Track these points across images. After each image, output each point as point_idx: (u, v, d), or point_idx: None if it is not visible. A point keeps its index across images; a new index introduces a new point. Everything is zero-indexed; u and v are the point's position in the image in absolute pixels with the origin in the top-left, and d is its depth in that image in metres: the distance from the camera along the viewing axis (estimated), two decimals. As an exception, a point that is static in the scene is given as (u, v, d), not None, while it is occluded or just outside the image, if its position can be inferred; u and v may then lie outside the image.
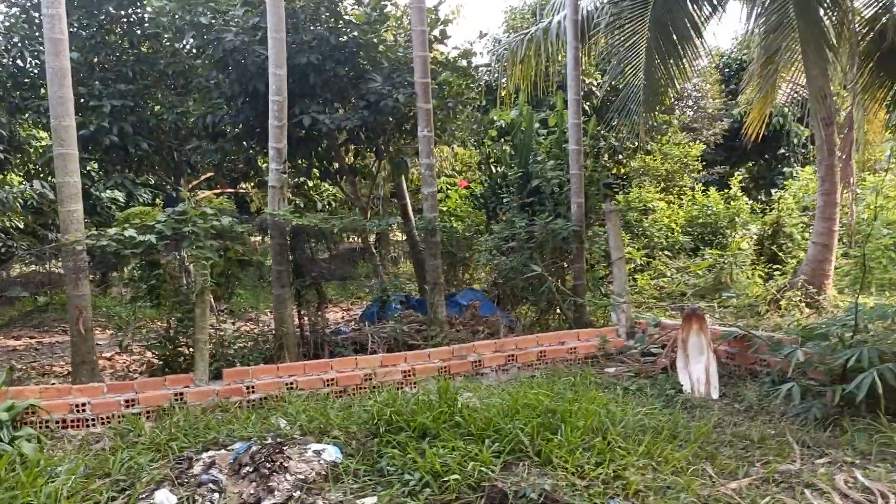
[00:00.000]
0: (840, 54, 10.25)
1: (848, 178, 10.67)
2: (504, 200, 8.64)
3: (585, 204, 8.41)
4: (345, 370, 6.72)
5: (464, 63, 9.24)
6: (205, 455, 4.68)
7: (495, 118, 12.18)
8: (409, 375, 6.81)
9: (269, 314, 11.77)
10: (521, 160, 9.48)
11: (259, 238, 15.15)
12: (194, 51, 10.52)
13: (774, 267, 11.91)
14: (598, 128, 11.41)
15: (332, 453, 4.69)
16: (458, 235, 8.86)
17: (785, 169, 18.12)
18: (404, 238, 9.63)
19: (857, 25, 10.18)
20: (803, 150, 18.75)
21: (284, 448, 4.67)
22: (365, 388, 6.60)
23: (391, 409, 5.24)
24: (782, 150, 18.66)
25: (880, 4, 10.56)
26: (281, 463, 4.47)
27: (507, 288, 8.39)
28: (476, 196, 10.71)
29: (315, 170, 9.67)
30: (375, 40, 8.66)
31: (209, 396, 6.11)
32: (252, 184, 12.40)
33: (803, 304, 9.61)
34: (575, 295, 8.17)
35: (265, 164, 12.10)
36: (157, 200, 16.49)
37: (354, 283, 10.51)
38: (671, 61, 8.37)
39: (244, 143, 9.71)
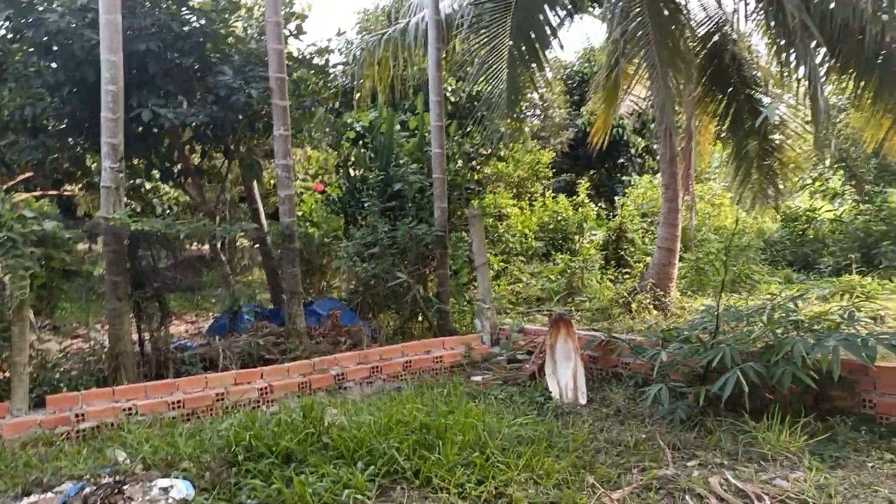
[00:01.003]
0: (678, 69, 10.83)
1: (688, 185, 11.30)
2: (365, 205, 8.29)
3: (448, 209, 8.25)
4: (193, 390, 6.09)
5: (321, 61, 8.80)
6: (25, 501, 3.96)
7: (350, 120, 11.78)
8: (267, 393, 6.29)
9: (102, 330, 10.63)
10: (382, 163, 9.17)
11: (87, 246, 13.76)
12: (10, 34, 9.27)
13: (623, 271, 12.39)
14: (459, 132, 11.34)
15: (181, 489, 4.13)
16: (315, 241, 8.39)
17: (624, 177, 19.09)
18: (256, 245, 8.99)
19: (693, 42, 10.82)
20: (640, 160, 19.86)
21: (125, 487, 4.05)
22: (217, 409, 6.01)
23: (250, 432, 4.74)
24: (621, 160, 19.66)
25: (713, 23, 11.31)
26: (121, 505, 3.87)
27: (369, 296, 8.04)
28: (333, 201, 10.27)
29: (155, 171, 8.81)
30: (224, 31, 8.01)
31: (30, 428, 5.28)
32: (80, 185, 11.15)
33: (651, 307, 10.01)
34: (439, 302, 7.97)
35: (95, 164, 10.96)
36: (-36, 204, 14.55)
37: (201, 293, 9.72)
38: (533, 66, 8.40)
39: (70, 139, 8.67)
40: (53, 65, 7.80)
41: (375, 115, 9.77)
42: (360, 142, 9.99)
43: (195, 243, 12.62)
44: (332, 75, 9.44)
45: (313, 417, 4.91)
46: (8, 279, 5.73)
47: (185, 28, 7.68)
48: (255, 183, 9.49)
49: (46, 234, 5.61)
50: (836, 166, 16.14)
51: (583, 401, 6.18)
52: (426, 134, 9.51)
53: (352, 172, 10.07)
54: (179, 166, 8.66)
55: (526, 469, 4.34)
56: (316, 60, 8.89)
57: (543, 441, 4.82)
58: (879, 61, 8.64)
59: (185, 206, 12.57)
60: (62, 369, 6.33)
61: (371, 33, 12.05)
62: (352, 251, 7.71)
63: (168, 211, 11.89)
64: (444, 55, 10.26)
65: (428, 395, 6.07)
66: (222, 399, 6.07)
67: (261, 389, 6.27)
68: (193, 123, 7.38)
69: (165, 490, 4.08)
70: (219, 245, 8.79)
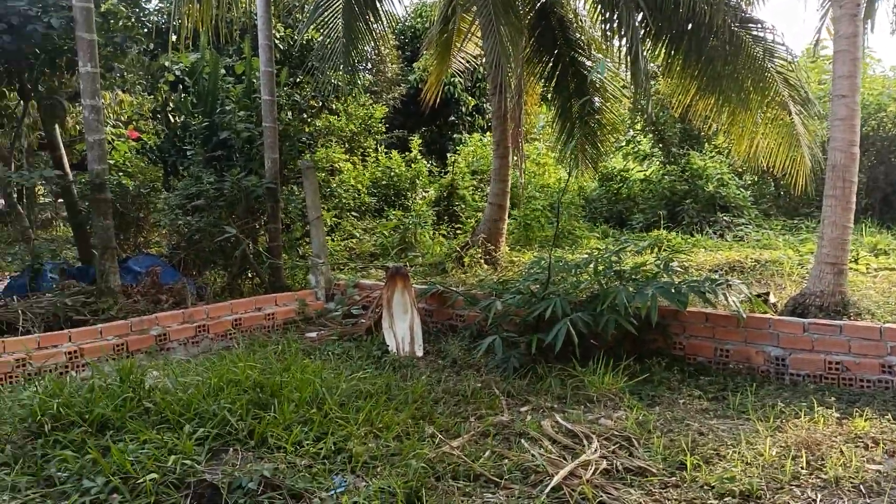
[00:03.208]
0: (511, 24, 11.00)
1: (517, 143, 11.62)
2: (188, 154, 7.68)
3: (280, 160, 7.87)
4: (-12, 356, 5.40)
5: (134, -8, 7.97)
6: None
7: (167, 63, 10.86)
8: (77, 357, 5.73)
9: None
10: (207, 109, 8.51)
11: None
12: None
13: (455, 227, 12.58)
14: (289, 82, 10.78)
15: (-26, 467, 3.64)
16: (130, 193, 7.67)
17: (454, 135, 19.32)
18: (59, 197, 8.07)
19: (523, 2, 11.06)
20: (470, 119, 20.17)
21: None
22: (17, 375, 5.39)
23: (57, 400, 4.27)
24: (452, 118, 19.86)
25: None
26: None
27: (193, 252, 7.51)
28: (150, 149, 9.43)
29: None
30: (16, -49, 6.99)
31: None
32: None
33: (483, 261, 10.26)
34: (271, 257, 7.64)
35: None
36: None
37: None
38: (369, 16, 8.13)
39: None
40: None
41: (197, 58, 9.02)
42: (181, 86, 9.21)
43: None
44: (146, 11, 8.60)
45: (132, 381, 4.52)
46: None
47: (-35, -58, 6.63)
48: (57, 127, 8.51)
49: None
50: (646, 129, 17.33)
51: (420, 353, 6.21)
52: (254, 80, 8.96)
53: (171, 119, 9.30)
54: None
55: (365, 423, 4.28)
56: (129, -8, 8.06)
57: (382, 394, 4.79)
58: (690, 28, 9.25)
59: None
60: None
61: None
62: (173, 203, 7.12)
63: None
64: (273, -2, 9.69)
65: (260, 353, 5.82)
66: (23, 365, 5.44)
67: (69, 353, 5.70)
68: (-21, 55, 6.41)
69: (-48, 470, 3.58)
70: (15, 196, 7.81)
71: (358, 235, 11.88)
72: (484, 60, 13.68)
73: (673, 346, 5.76)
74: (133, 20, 7.87)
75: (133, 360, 4.77)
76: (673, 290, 5.30)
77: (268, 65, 7.70)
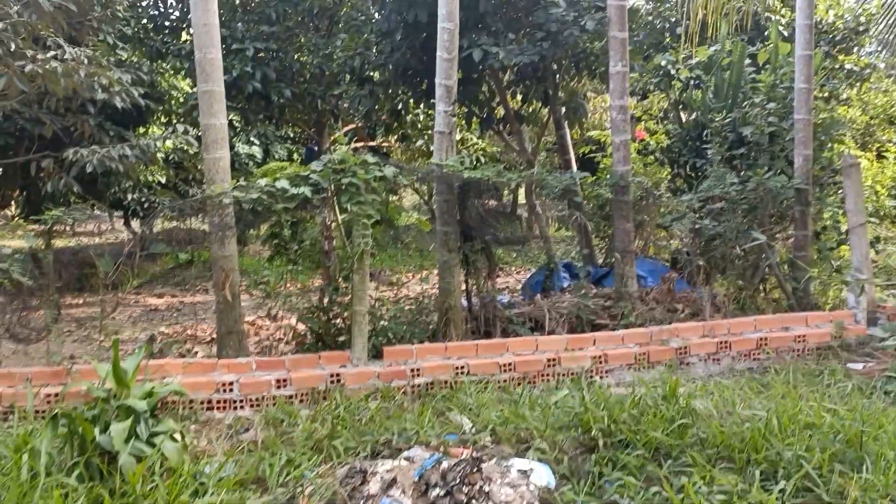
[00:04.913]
0: None
1: None
2: (708, 153, 7.15)
3: (812, 157, 6.83)
4: (523, 353, 5.62)
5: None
6: (381, 467, 3.68)
7: (664, 62, 10.48)
8: (601, 362, 5.61)
9: (409, 279, 10.85)
10: (729, 104, 7.87)
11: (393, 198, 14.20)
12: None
13: None
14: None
15: (542, 475, 3.58)
16: (639, 194, 7.46)
17: None
18: (565, 198, 8.26)
19: None
20: None
21: (482, 465, 3.60)
22: (548, 375, 5.49)
23: (604, 412, 4.07)
24: None
25: None
26: (480, 487, 3.41)
27: (704, 258, 6.93)
28: (651, 150, 9.21)
29: (475, 118, 8.48)
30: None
31: (369, 379, 5.17)
32: (395, 137, 11.41)
33: None
34: (799, 269, 6.65)
35: (409, 116, 11.09)
36: (294, 156, 15.95)
37: (513, 248, 9.33)
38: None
39: (390, 89, 8.68)
40: (377, 15, 7.75)
41: (716, 50, 8.42)
42: (691, 82, 8.75)
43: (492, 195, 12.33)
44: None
45: (681, 406, 4.08)
46: (345, 228, 5.70)
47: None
48: (567, 131, 8.81)
49: (387, 179, 5.40)
50: None
51: None
52: (778, 67, 8.00)
53: (683, 118, 8.90)
54: (501, 112, 8.24)
55: None
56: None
57: None
58: None
59: (491, 158, 12.36)
60: (392, 319, 6.22)
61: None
62: (695, 205, 6.64)
63: (477, 162, 11.73)
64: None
65: (805, 384, 4.94)
66: (553, 365, 5.52)
67: (594, 358, 5.61)
68: (522, 62, 6.79)
69: (524, 473, 3.56)
70: (534, 197, 8.27)
71: (879, 246, 9.94)
72: None
73: None
74: (654, 14, 7.63)
75: (676, 381, 4.34)
76: None
77: (805, 47, 6.68)
